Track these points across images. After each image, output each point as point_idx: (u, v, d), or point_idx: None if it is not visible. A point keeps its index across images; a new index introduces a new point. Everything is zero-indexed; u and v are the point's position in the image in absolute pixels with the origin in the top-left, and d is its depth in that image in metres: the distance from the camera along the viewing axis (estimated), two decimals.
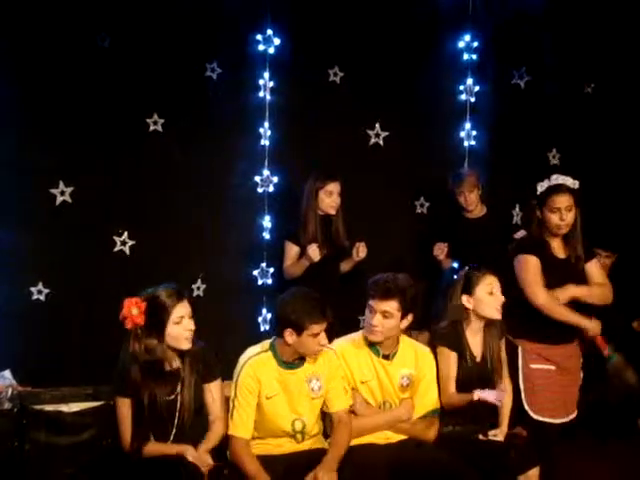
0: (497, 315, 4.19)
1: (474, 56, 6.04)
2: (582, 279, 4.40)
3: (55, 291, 5.19)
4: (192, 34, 5.39)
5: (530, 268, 4.33)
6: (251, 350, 3.92)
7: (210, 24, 5.41)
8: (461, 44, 6.02)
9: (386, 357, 4.09)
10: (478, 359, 4.22)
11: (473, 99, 6.07)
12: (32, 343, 5.09)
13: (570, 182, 4.34)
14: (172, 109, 5.40)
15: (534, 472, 4.02)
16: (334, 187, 5.10)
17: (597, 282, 4.43)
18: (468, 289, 4.21)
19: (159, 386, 3.70)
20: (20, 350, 4.99)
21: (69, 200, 5.22)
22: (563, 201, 4.29)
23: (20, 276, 5.12)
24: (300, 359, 3.90)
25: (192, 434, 3.76)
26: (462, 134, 6.07)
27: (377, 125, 5.89)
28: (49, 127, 5.16)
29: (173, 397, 3.72)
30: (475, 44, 6.02)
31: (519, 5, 5.98)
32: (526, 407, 4.33)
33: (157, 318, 3.66)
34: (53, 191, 5.18)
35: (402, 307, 3.99)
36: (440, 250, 5.50)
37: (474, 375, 4.17)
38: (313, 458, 3.83)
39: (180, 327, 3.67)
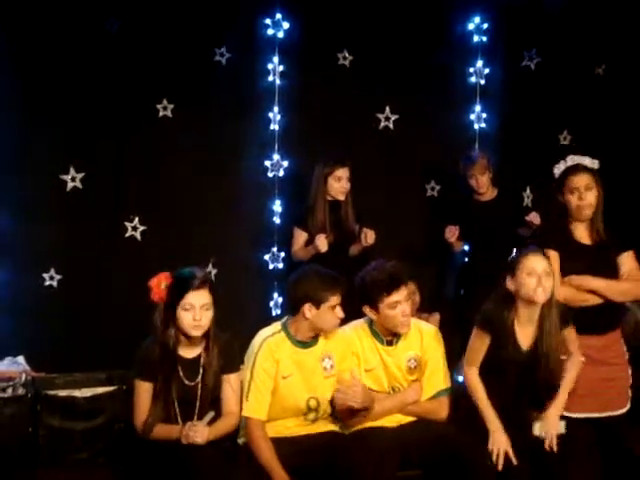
0: (536, 298, 3.84)
1: (484, 38, 6.00)
2: (610, 268, 4.14)
3: (67, 277, 5.22)
4: (201, 19, 5.39)
5: None
6: (264, 332, 3.93)
7: (219, 8, 5.41)
8: (471, 26, 5.98)
9: (390, 343, 4.07)
10: (524, 349, 3.95)
11: (483, 81, 6.03)
12: (45, 329, 5.13)
13: (588, 161, 4.18)
14: (181, 94, 5.41)
15: None
16: (343, 172, 5.09)
17: (624, 276, 4.16)
18: (512, 271, 3.92)
19: (177, 371, 3.71)
20: (33, 336, 5.03)
21: (80, 186, 5.24)
22: (581, 180, 4.11)
23: (32, 263, 5.16)
24: (314, 338, 3.92)
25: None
26: (472, 117, 6.03)
27: (387, 108, 5.87)
28: (59, 113, 5.18)
29: (194, 384, 3.73)
30: (485, 26, 5.98)
31: None
32: None
33: (171, 299, 3.68)
34: (64, 177, 5.21)
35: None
36: (451, 233, 5.48)
37: (516, 365, 3.93)
38: (325, 440, 3.86)
39: (188, 315, 3.65)
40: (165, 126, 5.42)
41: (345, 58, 5.78)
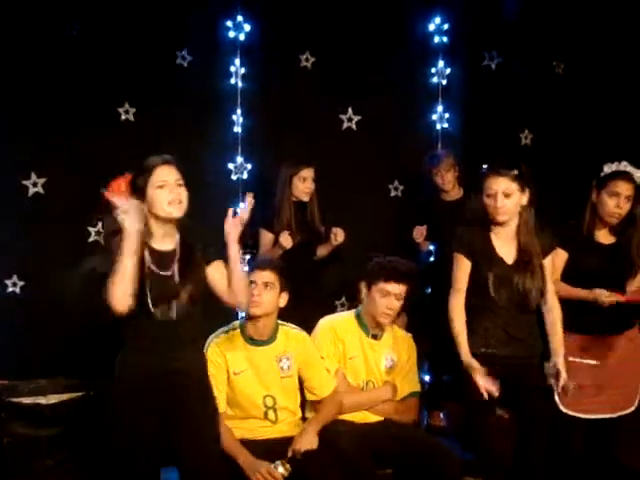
0: (496, 217, 3.79)
1: (445, 39, 6.03)
2: (626, 266, 4.14)
3: (30, 283, 5.17)
4: (162, 21, 5.36)
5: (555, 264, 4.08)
6: (219, 330, 3.99)
7: (180, 11, 5.38)
8: (432, 27, 6.00)
9: (375, 337, 4.16)
10: (510, 262, 3.83)
11: (445, 82, 6.06)
12: (8, 336, 5.08)
13: (638, 175, 4.14)
14: (143, 98, 5.38)
15: None
16: (308, 173, 5.11)
17: None
18: (480, 192, 3.87)
19: (148, 259, 3.36)
20: None
21: (42, 191, 5.20)
22: (626, 188, 4.08)
23: None
24: (271, 337, 3.95)
25: (192, 324, 3.47)
26: (434, 117, 6.06)
27: (350, 109, 5.89)
28: (19, 118, 5.13)
29: (170, 273, 3.39)
30: (446, 27, 6.01)
31: None
32: (556, 399, 4.14)
33: (139, 184, 3.38)
34: (25, 182, 5.16)
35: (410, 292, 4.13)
36: (419, 233, 5.50)
37: (503, 280, 3.81)
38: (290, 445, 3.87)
39: (163, 192, 3.33)
40: (127, 129, 5.39)
41: (307, 60, 5.79)
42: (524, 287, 3.80)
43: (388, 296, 4.07)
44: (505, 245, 3.86)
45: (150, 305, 3.32)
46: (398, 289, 4.08)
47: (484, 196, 3.83)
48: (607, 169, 4.16)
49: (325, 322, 4.22)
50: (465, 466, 3.92)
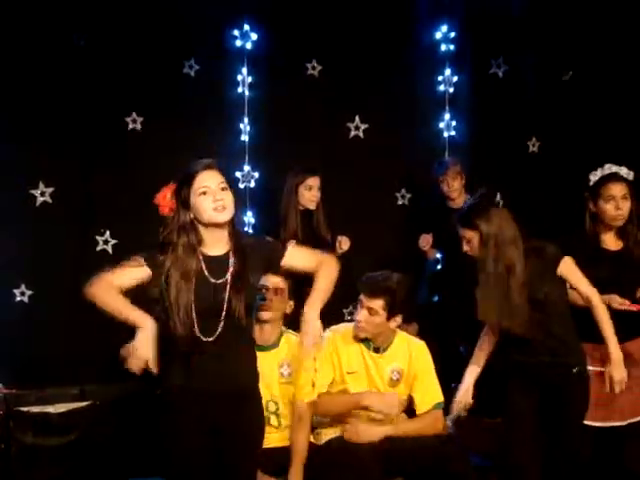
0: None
1: (452, 47, 6.05)
2: (636, 274, 4.13)
3: (38, 293, 5.19)
4: (169, 31, 5.39)
5: None
6: None
7: (187, 21, 5.40)
8: (438, 35, 6.02)
9: (377, 350, 4.06)
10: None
11: (452, 90, 6.07)
12: (17, 345, 5.09)
13: (624, 172, 4.14)
14: (151, 107, 5.41)
15: None
16: (314, 181, 5.11)
17: None
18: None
19: (201, 267, 3.18)
20: (5, 352, 4.98)
21: (50, 200, 5.22)
22: (619, 189, 4.07)
23: (2, 278, 5.12)
24: (273, 343, 3.95)
25: (241, 336, 3.22)
26: (441, 125, 6.07)
27: (357, 118, 5.89)
28: (28, 127, 5.15)
29: (221, 281, 3.19)
30: (452, 34, 6.02)
31: None
32: None
33: (181, 197, 3.20)
34: (33, 192, 5.18)
35: (389, 307, 3.95)
36: (425, 241, 5.50)
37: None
38: None
39: (207, 198, 3.14)
40: (135, 139, 5.41)
41: (314, 68, 5.80)
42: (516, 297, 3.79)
43: (361, 307, 3.98)
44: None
45: (197, 323, 3.15)
46: (369, 302, 3.95)
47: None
48: (593, 177, 4.16)
49: (329, 333, 4.12)
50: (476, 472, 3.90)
